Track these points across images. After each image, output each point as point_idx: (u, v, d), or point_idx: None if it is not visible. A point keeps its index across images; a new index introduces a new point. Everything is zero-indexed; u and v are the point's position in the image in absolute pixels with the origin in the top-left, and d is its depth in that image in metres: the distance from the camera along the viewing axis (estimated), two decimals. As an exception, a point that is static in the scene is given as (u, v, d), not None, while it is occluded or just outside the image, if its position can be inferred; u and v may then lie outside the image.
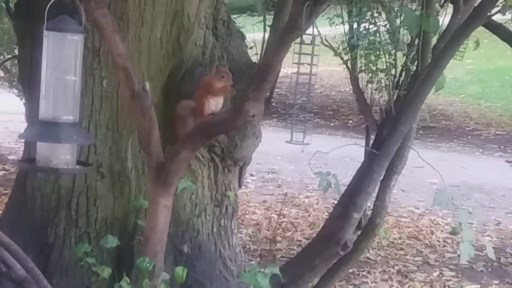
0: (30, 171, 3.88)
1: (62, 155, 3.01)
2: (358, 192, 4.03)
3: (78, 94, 3.00)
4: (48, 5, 2.85)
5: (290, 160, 8.87)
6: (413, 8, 4.81)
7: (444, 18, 4.28)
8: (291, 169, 8.61)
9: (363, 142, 4.67)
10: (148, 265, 3.32)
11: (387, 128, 4.09)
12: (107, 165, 4.02)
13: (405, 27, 5.39)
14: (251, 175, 8.09)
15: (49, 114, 2.96)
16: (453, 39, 3.85)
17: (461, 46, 4.18)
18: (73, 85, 2.96)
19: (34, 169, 3.38)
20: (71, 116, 2.97)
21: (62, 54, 2.94)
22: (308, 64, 3.12)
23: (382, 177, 4.06)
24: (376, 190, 4.11)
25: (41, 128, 2.98)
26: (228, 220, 4.46)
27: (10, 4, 6.16)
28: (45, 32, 2.90)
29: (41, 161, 3.03)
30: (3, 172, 7.76)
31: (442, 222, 6.68)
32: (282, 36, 2.93)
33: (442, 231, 6.42)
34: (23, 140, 5.78)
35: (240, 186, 4.64)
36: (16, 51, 7.50)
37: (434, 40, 4.24)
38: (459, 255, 5.26)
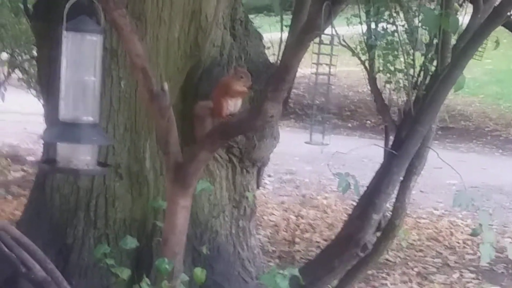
0: (51, 172, 3.88)
1: (82, 156, 3.01)
2: (377, 193, 4.00)
3: (98, 94, 2.99)
4: (67, 6, 2.84)
5: (308, 161, 8.85)
6: (432, 8, 4.78)
7: (464, 18, 4.25)
8: (309, 170, 8.58)
9: (381, 143, 4.65)
10: (167, 266, 3.31)
11: (406, 129, 4.06)
12: (126, 166, 4.02)
13: (424, 27, 5.37)
14: (269, 176, 8.07)
15: (69, 115, 2.95)
16: (473, 38, 3.81)
17: (480, 46, 4.15)
18: (92, 86, 2.95)
19: (55, 171, 3.38)
20: (91, 116, 2.96)
21: (82, 54, 2.93)
22: (327, 64, 3.10)
23: (401, 178, 4.03)
24: (396, 191, 4.08)
25: (62, 129, 2.97)
26: (247, 221, 4.44)
27: (28, 5, 6.20)
28: (64, 33, 2.89)
29: (61, 162, 3.03)
30: (22, 173, 7.78)
31: (462, 223, 6.63)
32: (301, 36, 2.91)
33: (462, 232, 6.37)
34: (41, 141, 5.80)
35: (258, 187, 4.63)
36: (34, 52, 7.53)
37: (453, 40, 4.21)
38: (479, 257, 5.21)
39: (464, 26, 4.15)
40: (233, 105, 3.59)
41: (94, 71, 2.94)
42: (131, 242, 3.69)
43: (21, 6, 6.87)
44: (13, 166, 8.06)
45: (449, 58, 4.02)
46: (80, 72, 2.92)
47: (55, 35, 3.98)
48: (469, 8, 4.28)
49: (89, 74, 2.93)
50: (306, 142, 3.19)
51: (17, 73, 8.06)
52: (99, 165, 3.18)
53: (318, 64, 3.08)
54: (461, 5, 4.84)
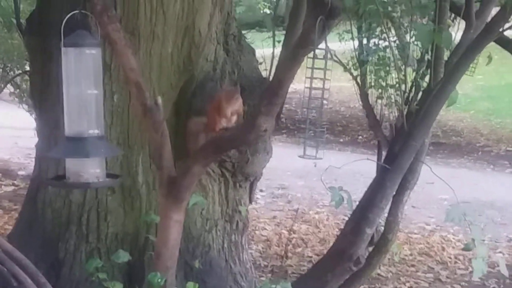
0: (63, 188, 3.88)
1: (91, 169, 3.02)
2: (370, 207, 4.01)
3: (101, 107, 3.00)
4: (64, 21, 2.84)
5: (300, 176, 8.85)
6: (424, 23, 4.81)
7: (456, 34, 4.27)
8: (301, 185, 8.58)
9: (373, 158, 4.65)
10: (159, 280, 3.31)
11: (399, 143, 4.07)
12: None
13: (417, 42, 5.39)
14: (261, 190, 8.06)
15: (75, 130, 2.96)
16: (466, 54, 3.84)
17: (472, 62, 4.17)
18: (95, 99, 2.96)
19: (67, 186, 3.40)
20: (97, 129, 2.97)
21: (83, 68, 2.93)
22: (321, 79, 3.10)
23: (394, 192, 4.04)
24: (389, 206, 4.09)
25: (68, 145, 2.98)
26: (239, 236, 4.44)
27: (21, 20, 6.20)
28: (63, 49, 2.90)
29: (71, 178, 3.04)
30: (13, 187, 7.76)
31: (453, 238, 6.63)
32: (295, 51, 2.92)
33: (453, 247, 6.38)
34: (33, 156, 5.79)
35: (250, 202, 4.62)
36: (26, 67, 7.53)
37: (445, 56, 4.23)
38: (471, 272, 5.23)
39: (457, 41, 4.17)
40: (227, 120, 3.59)
41: (95, 84, 2.95)
42: (123, 256, 3.68)
43: (14, 21, 6.89)
44: (4, 180, 8.04)
45: (442, 73, 4.04)
46: (82, 86, 2.93)
47: (48, 50, 4.00)
48: (462, 23, 4.31)
49: (91, 88, 2.94)
50: (299, 156, 3.19)
51: (9, 88, 8.06)
52: (110, 177, 3.20)
53: (312, 78, 3.09)
54: (453, 21, 4.87)
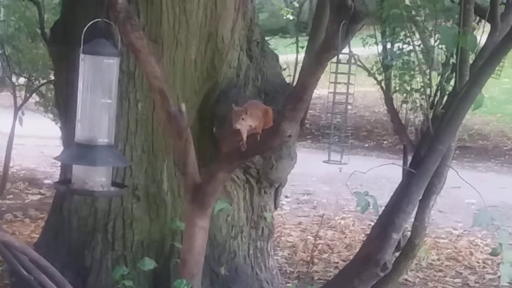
0: (67, 193, 3.89)
1: (97, 177, 3.02)
2: (396, 212, 3.97)
3: (114, 116, 3.01)
4: (85, 29, 2.86)
5: (325, 181, 8.81)
6: (449, 26, 4.77)
7: (482, 36, 4.23)
8: (326, 191, 8.54)
9: (399, 163, 4.62)
10: (185, 287, 3.30)
11: (424, 148, 4.03)
12: (143, 188, 4.03)
13: (441, 46, 5.35)
14: (286, 196, 8.03)
15: (85, 137, 2.96)
16: (492, 56, 3.80)
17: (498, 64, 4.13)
18: (108, 108, 2.96)
19: (70, 191, 3.39)
20: (107, 138, 2.97)
21: (98, 77, 2.95)
22: (345, 83, 3.09)
23: (420, 197, 4.01)
24: (415, 210, 4.05)
25: (77, 151, 2.99)
26: (265, 242, 4.43)
27: (46, 30, 6.25)
28: (82, 56, 2.91)
29: (76, 184, 3.04)
30: (39, 196, 7.80)
31: (481, 243, 6.56)
32: (318, 56, 2.91)
33: (481, 252, 6.30)
34: (59, 164, 5.82)
35: (276, 208, 4.61)
36: (51, 76, 7.58)
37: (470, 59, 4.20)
38: (499, 277, 5.16)
39: (482, 44, 4.14)
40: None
41: (110, 93, 2.96)
42: (149, 264, 3.69)
43: (38, 30, 6.95)
44: (31, 189, 8.10)
45: (467, 76, 4.01)
46: (96, 94, 2.94)
47: (72, 58, 4.01)
48: (487, 26, 4.27)
49: (105, 97, 2.94)
50: (324, 161, 3.17)
51: (34, 97, 8.11)
52: (116, 186, 3.19)
53: (336, 83, 3.07)
54: (478, 24, 4.83)
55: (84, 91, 2.97)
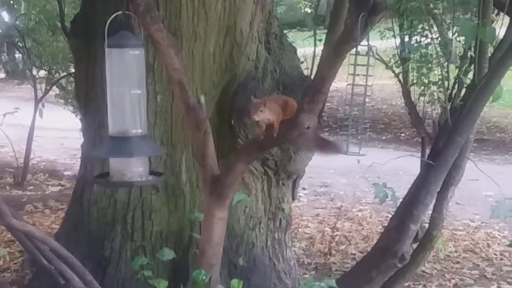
0: (107, 187, 3.93)
1: (135, 168, 3.05)
2: (415, 204, 3.99)
3: (144, 107, 3.04)
4: (108, 22, 2.88)
5: (343, 173, 8.83)
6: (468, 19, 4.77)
7: (500, 29, 4.23)
8: (344, 183, 8.56)
9: (416, 155, 4.63)
10: (204, 277, 3.33)
11: (443, 140, 4.04)
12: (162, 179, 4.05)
13: (459, 38, 5.35)
14: (304, 188, 8.06)
15: (118, 129, 2.99)
16: (511, 48, 3.79)
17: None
18: (138, 99, 2.99)
19: (110, 184, 3.42)
20: (140, 129, 3.00)
21: (126, 69, 2.96)
22: (363, 75, 3.10)
23: (439, 189, 4.02)
24: (433, 202, 4.06)
25: (112, 144, 3.02)
26: (282, 233, 4.45)
27: (66, 23, 6.30)
28: (107, 50, 2.93)
29: (115, 176, 3.08)
30: (59, 187, 7.88)
31: (499, 235, 6.55)
32: (337, 48, 2.92)
33: (499, 244, 6.30)
34: (78, 156, 5.87)
35: (293, 199, 4.63)
36: (71, 69, 7.65)
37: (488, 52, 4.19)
38: (517, 269, 5.17)
39: (501, 37, 4.13)
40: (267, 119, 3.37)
41: (138, 84, 2.99)
42: (168, 254, 3.72)
43: (59, 24, 7.00)
44: (51, 180, 8.18)
45: (486, 68, 4.01)
46: (126, 86, 2.96)
47: (93, 51, 4.06)
48: (506, 19, 4.26)
49: (134, 88, 2.97)
50: (342, 153, 3.18)
51: (55, 90, 8.18)
52: (153, 174, 3.22)
53: (354, 75, 3.08)
54: (497, 16, 4.83)
55: (113, 84, 2.99)
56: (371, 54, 3.06)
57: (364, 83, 3.10)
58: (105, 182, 3.25)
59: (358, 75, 3.07)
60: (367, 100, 3.20)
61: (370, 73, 3.09)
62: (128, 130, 2.99)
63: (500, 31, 4.18)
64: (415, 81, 6.58)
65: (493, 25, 4.07)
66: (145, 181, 3.17)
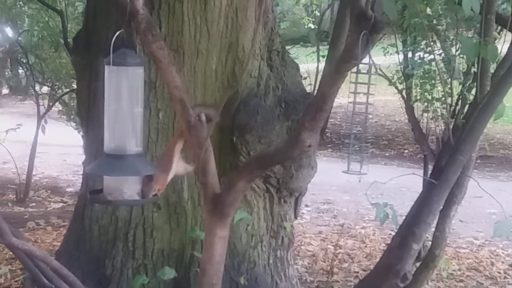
0: (104, 203, 3.89)
1: (133, 185, 3.03)
2: (417, 223, 3.96)
3: (141, 125, 3.02)
4: (113, 40, 2.87)
5: (346, 191, 8.80)
6: (470, 36, 4.76)
7: (503, 46, 4.22)
8: (347, 200, 8.53)
9: (419, 172, 4.61)
10: (205, 297, 3.30)
11: (445, 158, 4.03)
12: (164, 197, 4.04)
13: (462, 55, 5.33)
14: (306, 206, 8.04)
15: (114, 147, 2.97)
16: (513, 66, 3.78)
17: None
18: (136, 117, 2.97)
19: (107, 202, 3.37)
20: (136, 147, 2.98)
21: (126, 87, 2.95)
22: (364, 94, 3.08)
23: (441, 207, 3.99)
24: (435, 221, 4.04)
25: (107, 161, 2.99)
26: (284, 251, 4.43)
27: (68, 39, 6.32)
28: (109, 67, 2.92)
29: (110, 194, 3.04)
30: (61, 204, 7.86)
31: (503, 253, 6.52)
32: (338, 66, 2.91)
33: (502, 262, 6.26)
34: (80, 173, 5.86)
35: (296, 217, 4.61)
36: (74, 85, 7.66)
37: (491, 69, 4.18)
38: (521, 287, 5.13)
39: (503, 54, 4.12)
40: None
41: (137, 102, 2.97)
42: (169, 273, 3.70)
43: (61, 40, 7.02)
44: (53, 197, 8.16)
45: (489, 86, 3.99)
46: (124, 104, 2.95)
47: (95, 68, 4.06)
48: (508, 36, 4.26)
49: (133, 106, 2.95)
50: (343, 172, 3.16)
51: (57, 106, 8.19)
52: None
53: (355, 93, 3.07)
54: (499, 33, 4.82)
55: (112, 101, 2.97)
56: (373, 71, 3.04)
57: (366, 102, 3.08)
58: (101, 199, 3.21)
59: (359, 93, 3.05)
60: (369, 117, 3.19)
61: (372, 91, 3.07)
62: (124, 148, 2.97)
63: (503, 48, 4.17)
64: (418, 97, 6.58)
65: (495, 42, 4.06)
66: (143, 200, 3.14)
